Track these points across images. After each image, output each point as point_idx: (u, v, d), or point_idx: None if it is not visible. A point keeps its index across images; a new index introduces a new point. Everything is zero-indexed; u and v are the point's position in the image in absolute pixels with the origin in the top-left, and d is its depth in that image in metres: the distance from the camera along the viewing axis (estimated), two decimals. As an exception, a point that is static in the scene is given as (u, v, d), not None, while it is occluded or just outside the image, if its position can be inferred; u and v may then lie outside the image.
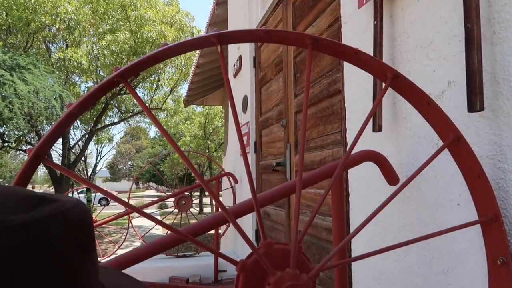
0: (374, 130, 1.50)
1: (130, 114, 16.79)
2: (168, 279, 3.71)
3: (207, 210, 17.46)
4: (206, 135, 17.22)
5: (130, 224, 5.37)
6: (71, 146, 15.46)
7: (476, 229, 1.10)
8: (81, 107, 0.82)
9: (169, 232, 0.98)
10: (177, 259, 4.32)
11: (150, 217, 0.91)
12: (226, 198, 5.52)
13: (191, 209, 4.70)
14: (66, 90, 11.64)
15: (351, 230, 1.82)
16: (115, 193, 6.87)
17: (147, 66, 0.88)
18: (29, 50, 12.28)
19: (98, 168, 22.97)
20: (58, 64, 12.00)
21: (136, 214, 5.19)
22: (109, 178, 41.61)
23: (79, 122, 16.16)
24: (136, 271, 3.52)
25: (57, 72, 11.69)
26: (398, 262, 1.46)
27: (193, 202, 4.72)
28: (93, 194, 15.31)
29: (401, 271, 1.44)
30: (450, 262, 1.21)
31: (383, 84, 1.03)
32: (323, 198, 0.94)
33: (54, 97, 9.98)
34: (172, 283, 0.87)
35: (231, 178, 4.27)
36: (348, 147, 1.73)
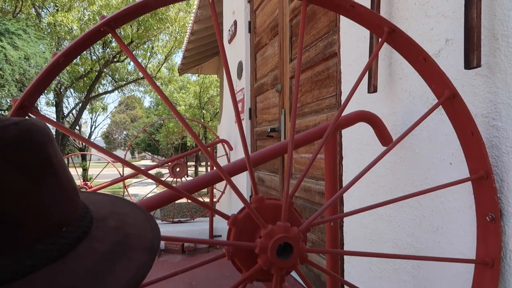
0: (369, 91, 1.49)
1: (124, 82, 16.57)
2: (163, 244, 3.77)
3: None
4: (201, 104, 17.10)
5: (125, 192, 5.40)
6: (65, 115, 15.33)
7: (467, 187, 1.11)
8: (66, 57, 0.79)
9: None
10: (172, 224, 4.38)
11: (146, 174, 0.90)
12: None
13: (186, 177, 4.72)
14: (58, 57, 11.36)
15: (344, 195, 1.84)
16: (111, 160, 6.88)
17: (136, 15, 0.85)
18: (19, 15, 11.92)
19: (93, 137, 22.91)
20: (49, 30, 11.70)
21: (132, 181, 5.21)
22: (105, 147, 41.56)
23: (72, 91, 15.95)
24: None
25: (48, 38, 11.41)
26: (389, 222, 1.48)
27: (188, 169, 4.73)
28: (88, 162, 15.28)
29: (392, 230, 1.47)
30: (440, 220, 1.23)
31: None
32: (315, 153, 0.93)
33: (46, 64, 9.78)
34: (178, 237, 0.88)
35: (226, 145, 4.27)
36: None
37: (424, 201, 1.29)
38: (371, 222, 1.60)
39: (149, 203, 1.03)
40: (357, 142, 1.70)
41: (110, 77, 16.17)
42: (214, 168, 0.95)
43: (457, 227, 1.16)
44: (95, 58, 13.61)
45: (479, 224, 1.04)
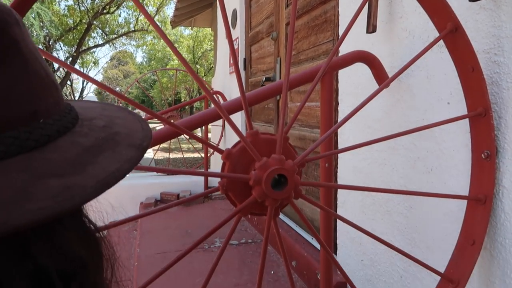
0: (368, 31, 1.44)
1: (115, 35, 16.07)
2: (159, 195, 3.81)
3: (197, 133, 17.54)
4: (195, 59, 16.75)
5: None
6: (55, 69, 14.97)
7: (463, 127, 1.10)
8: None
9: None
10: (167, 176, 4.41)
11: (146, 109, 0.86)
12: (215, 120, 5.49)
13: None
14: (44, 8, 10.94)
15: (339, 141, 1.83)
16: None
17: None
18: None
19: (85, 93, 22.51)
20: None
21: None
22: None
23: (62, 44, 15.48)
24: (127, 187, 3.60)
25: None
26: (383, 166, 1.48)
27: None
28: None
29: (385, 173, 1.47)
30: (434, 161, 1.23)
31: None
32: (311, 88, 0.90)
33: (33, 15, 9.41)
34: (173, 169, 0.87)
35: (220, 97, 4.22)
36: (339, 54, 1.66)
37: (419, 142, 1.29)
38: (365, 167, 1.61)
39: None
40: (354, 87, 1.67)
41: (100, 30, 15.65)
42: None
43: (452, 166, 1.16)
44: (84, 9, 13.10)
45: (474, 161, 1.04)
